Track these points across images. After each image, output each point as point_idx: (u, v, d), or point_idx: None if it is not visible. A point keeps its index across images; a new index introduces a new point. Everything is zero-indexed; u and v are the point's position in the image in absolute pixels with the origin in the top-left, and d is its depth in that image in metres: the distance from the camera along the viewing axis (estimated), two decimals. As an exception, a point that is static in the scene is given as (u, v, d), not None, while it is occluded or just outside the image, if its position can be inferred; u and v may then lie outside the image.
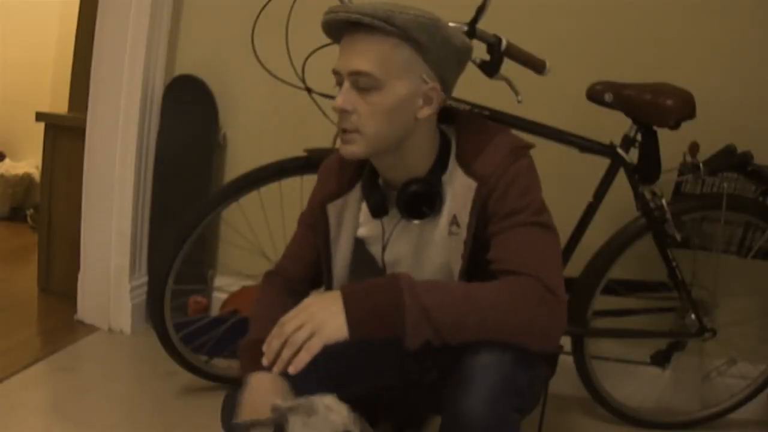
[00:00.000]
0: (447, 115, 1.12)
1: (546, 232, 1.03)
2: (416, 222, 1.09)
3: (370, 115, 1.01)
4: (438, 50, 1.01)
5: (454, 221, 1.06)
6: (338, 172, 1.17)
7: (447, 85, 1.06)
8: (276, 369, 0.93)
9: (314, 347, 0.91)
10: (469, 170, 1.04)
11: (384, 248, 1.15)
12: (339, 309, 0.93)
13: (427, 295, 0.92)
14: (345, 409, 0.91)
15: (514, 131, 1.15)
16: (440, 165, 1.08)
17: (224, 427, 1.08)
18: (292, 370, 0.92)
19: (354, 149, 1.03)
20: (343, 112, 1.01)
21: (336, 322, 0.92)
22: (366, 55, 0.99)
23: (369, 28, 0.98)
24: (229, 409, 1.04)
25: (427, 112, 1.04)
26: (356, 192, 1.16)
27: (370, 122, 1.01)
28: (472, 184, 1.03)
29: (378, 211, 1.11)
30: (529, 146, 1.08)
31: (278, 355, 0.93)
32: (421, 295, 0.92)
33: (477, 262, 1.04)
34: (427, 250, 1.12)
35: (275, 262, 1.30)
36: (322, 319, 0.92)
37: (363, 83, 1.00)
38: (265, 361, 0.95)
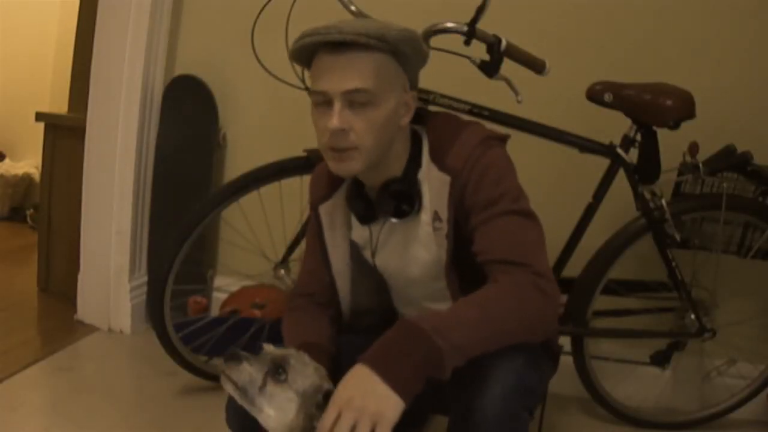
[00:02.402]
0: (416, 114, 1.13)
1: (525, 218, 1.04)
2: (399, 222, 1.10)
3: (367, 131, 1.01)
4: (415, 61, 1.06)
5: (436, 217, 1.07)
6: (328, 175, 1.18)
7: (414, 90, 1.10)
8: None
9: None
10: (442, 165, 1.06)
11: (374, 253, 1.17)
12: (384, 388, 0.85)
13: (453, 332, 0.88)
14: (320, 368, 0.95)
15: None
16: (414, 163, 1.10)
17: (230, 427, 1.08)
18: None
19: (354, 166, 1.03)
20: (340, 132, 1.00)
21: (390, 402, 0.85)
22: (362, 72, 0.99)
23: (359, 47, 0.98)
24: (233, 410, 1.04)
25: (407, 119, 1.07)
26: (342, 192, 1.17)
27: (368, 137, 1.01)
28: (446, 179, 1.04)
29: (365, 218, 1.13)
30: (502, 137, 1.10)
31: None
32: (448, 333, 0.88)
33: (463, 255, 1.05)
34: (413, 249, 1.13)
35: (293, 282, 1.28)
36: (375, 408, 0.84)
37: (360, 99, 0.99)
38: None
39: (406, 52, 1.02)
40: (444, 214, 1.05)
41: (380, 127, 1.02)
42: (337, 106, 0.99)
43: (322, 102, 1.02)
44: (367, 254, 1.19)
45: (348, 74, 0.99)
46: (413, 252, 1.13)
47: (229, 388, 0.91)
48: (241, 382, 0.90)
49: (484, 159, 1.04)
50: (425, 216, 1.10)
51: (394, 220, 1.09)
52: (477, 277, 1.02)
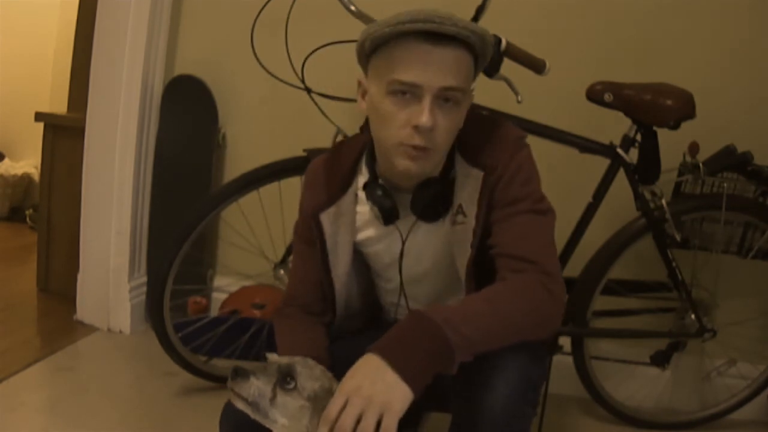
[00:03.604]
0: None
1: (544, 218, 1.05)
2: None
3: (447, 131, 0.99)
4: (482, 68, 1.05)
5: (459, 211, 1.06)
6: (326, 180, 1.15)
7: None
8: None
9: (391, 429, 0.82)
10: (474, 161, 1.05)
11: (402, 251, 1.13)
12: (393, 377, 0.83)
13: (464, 326, 0.88)
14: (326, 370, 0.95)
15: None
16: (450, 162, 1.08)
17: None
18: None
19: (426, 165, 1.00)
20: (427, 130, 0.95)
21: (399, 392, 0.83)
22: (458, 70, 0.96)
23: (457, 42, 0.95)
24: (228, 416, 1.04)
25: (463, 121, 1.05)
26: (349, 197, 1.13)
27: (445, 138, 0.99)
28: (479, 174, 1.04)
29: (391, 218, 1.09)
30: (525, 135, 1.10)
31: None
32: (459, 327, 0.88)
33: (480, 249, 1.05)
34: (430, 244, 1.12)
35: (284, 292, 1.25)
36: (384, 397, 0.82)
37: (453, 97, 0.96)
38: None
39: (486, 57, 1.01)
40: (472, 210, 1.04)
41: (455, 128, 1.01)
42: (428, 101, 0.95)
43: (402, 92, 0.96)
44: (373, 249, 1.16)
45: (446, 70, 0.95)
46: (428, 247, 1.12)
47: (240, 405, 0.91)
48: (251, 397, 0.90)
49: (517, 158, 1.04)
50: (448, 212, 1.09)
51: (445, 219, 1.07)
52: (491, 275, 1.02)
